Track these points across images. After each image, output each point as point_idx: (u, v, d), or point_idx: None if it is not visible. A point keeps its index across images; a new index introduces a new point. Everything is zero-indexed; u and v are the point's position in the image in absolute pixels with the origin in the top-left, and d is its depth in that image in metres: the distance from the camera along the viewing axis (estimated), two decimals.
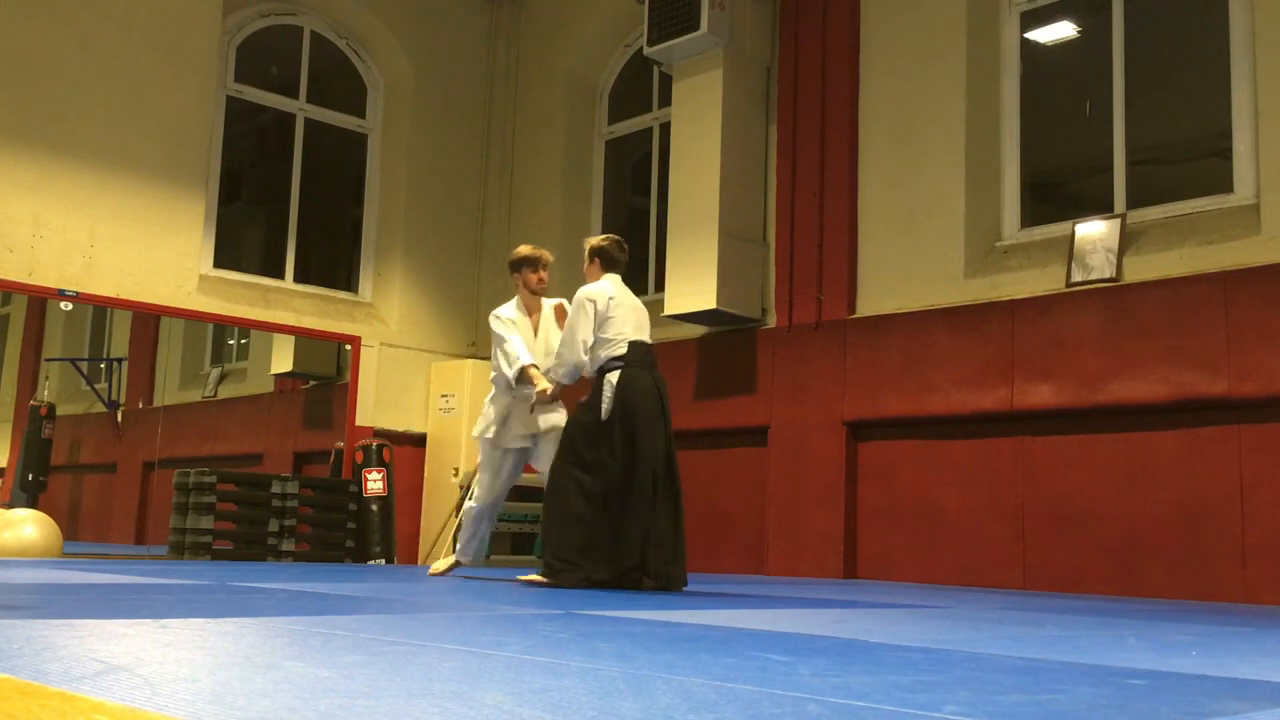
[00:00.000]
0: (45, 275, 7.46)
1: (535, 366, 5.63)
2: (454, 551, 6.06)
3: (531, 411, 5.66)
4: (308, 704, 1.52)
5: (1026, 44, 7.26)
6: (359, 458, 8.37)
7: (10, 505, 7.57)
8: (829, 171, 7.62)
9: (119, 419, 8.67)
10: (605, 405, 5.25)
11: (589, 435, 5.27)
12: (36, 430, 8.24)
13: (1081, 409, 6.35)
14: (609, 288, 5.41)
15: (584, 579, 5.10)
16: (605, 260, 5.53)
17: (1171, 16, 6.80)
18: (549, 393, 5.51)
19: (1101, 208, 6.72)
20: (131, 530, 8.71)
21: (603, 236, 5.66)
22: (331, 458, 8.63)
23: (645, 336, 5.43)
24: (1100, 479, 6.27)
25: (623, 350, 5.30)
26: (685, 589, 5.20)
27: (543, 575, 5.23)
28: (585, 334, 5.32)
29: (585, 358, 5.34)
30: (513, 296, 5.96)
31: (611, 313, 5.33)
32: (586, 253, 5.60)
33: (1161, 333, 6.09)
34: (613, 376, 5.27)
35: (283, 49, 9.11)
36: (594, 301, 5.33)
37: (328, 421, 9.11)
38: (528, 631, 2.77)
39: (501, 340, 5.72)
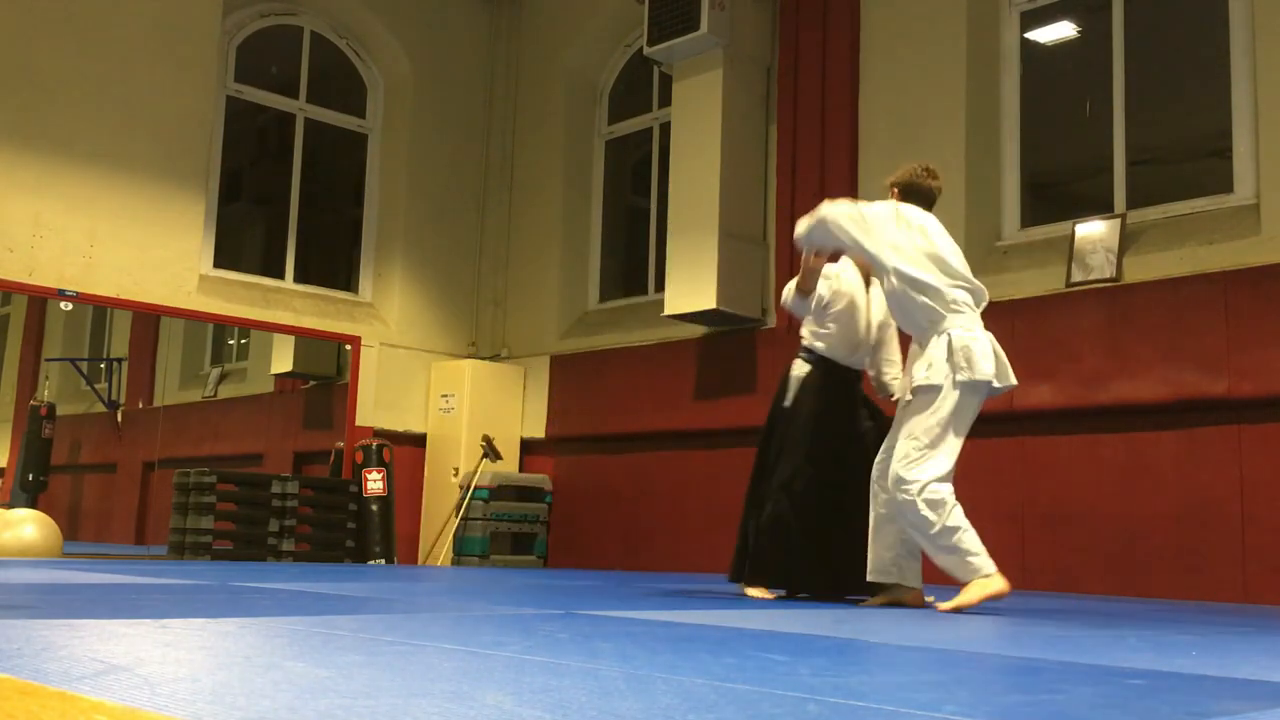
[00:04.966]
0: (45, 275, 7.46)
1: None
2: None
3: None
4: (308, 704, 1.52)
5: (1026, 44, 7.25)
6: (359, 458, 8.36)
7: (10, 505, 7.57)
8: (829, 171, 7.61)
9: (119, 419, 8.67)
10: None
11: None
12: (37, 430, 8.24)
13: (1081, 409, 6.34)
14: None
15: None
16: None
17: (1171, 17, 6.80)
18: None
19: (1101, 208, 6.71)
20: (131, 530, 8.71)
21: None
22: (331, 458, 8.63)
23: None
24: (1100, 479, 6.26)
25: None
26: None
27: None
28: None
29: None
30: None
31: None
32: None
33: (1161, 333, 6.08)
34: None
35: (283, 49, 9.10)
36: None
37: (328, 421, 9.11)
38: (528, 631, 2.77)
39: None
